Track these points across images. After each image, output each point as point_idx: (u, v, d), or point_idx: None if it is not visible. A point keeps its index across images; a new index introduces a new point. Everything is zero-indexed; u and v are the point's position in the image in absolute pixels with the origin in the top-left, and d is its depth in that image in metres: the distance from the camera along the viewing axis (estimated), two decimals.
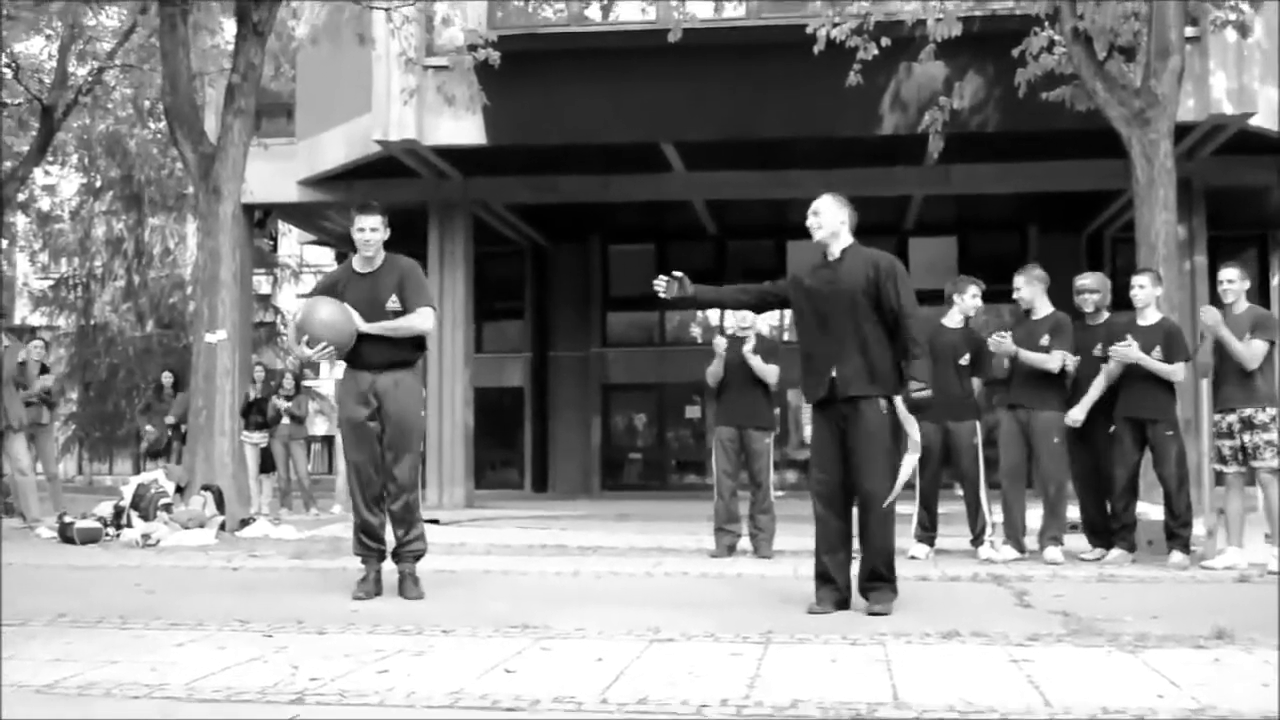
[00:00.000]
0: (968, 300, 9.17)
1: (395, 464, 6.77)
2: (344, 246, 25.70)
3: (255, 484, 15.11)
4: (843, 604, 6.02)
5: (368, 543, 6.83)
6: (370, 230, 6.82)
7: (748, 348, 9.07)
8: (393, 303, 6.72)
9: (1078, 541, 9.07)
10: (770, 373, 9.13)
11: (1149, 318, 8.70)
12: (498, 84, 14.56)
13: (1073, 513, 9.39)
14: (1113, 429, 8.74)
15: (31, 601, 6.17)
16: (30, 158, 19.27)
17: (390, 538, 6.90)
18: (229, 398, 12.42)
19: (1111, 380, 8.76)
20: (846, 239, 6.35)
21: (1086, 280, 9.10)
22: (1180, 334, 8.80)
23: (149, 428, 15.79)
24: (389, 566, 6.88)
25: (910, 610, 5.88)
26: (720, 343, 9.17)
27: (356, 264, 6.91)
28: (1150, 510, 8.93)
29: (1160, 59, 11.45)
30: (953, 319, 9.20)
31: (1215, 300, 8.61)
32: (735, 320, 9.37)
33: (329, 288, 6.86)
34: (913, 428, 6.10)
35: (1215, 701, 3.80)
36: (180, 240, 28.49)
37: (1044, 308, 8.96)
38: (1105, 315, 8.97)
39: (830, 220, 6.35)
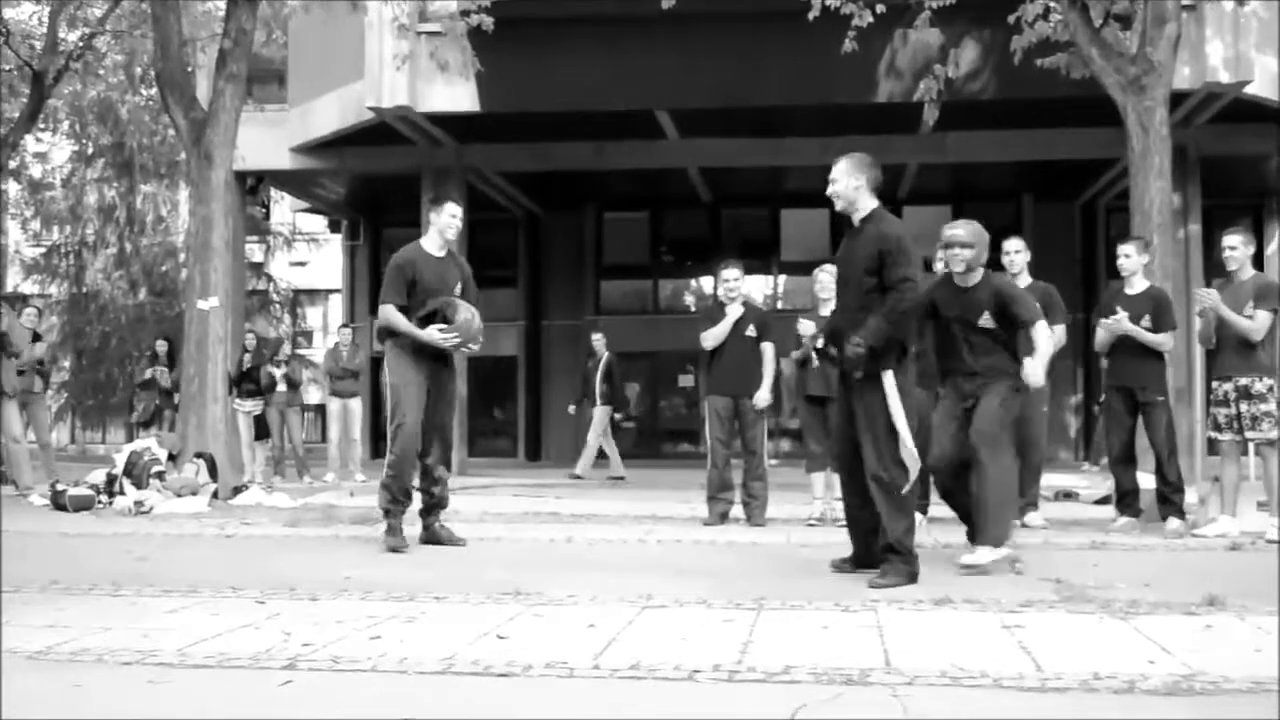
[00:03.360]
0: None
1: (444, 427, 7.65)
2: (337, 213, 25.64)
3: (249, 452, 15.10)
4: (860, 565, 6.23)
5: (402, 499, 7.42)
6: (460, 218, 7.70)
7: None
8: (457, 289, 7.55)
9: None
10: (769, 352, 9.16)
11: (1136, 286, 8.69)
12: (491, 50, 14.48)
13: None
14: (1103, 397, 8.77)
15: (24, 568, 6.18)
16: (21, 124, 19.12)
17: (458, 497, 7.92)
18: (221, 365, 12.40)
19: (1102, 349, 8.79)
20: (867, 205, 6.24)
21: (958, 232, 6.87)
22: (1168, 302, 8.79)
23: (146, 378, 15.78)
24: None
25: None
26: (735, 310, 9.11)
27: (430, 247, 7.63)
28: (1141, 479, 8.94)
29: (1156, 26, 11.40)
30: None
31: (1213, 267, 8.59)
32: (725, 290, 9.34)
33: (418, 267, 7.49)
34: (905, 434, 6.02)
35: (1206, 667, 3.82)
36: (172, 207, 28.36)
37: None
38: (979, 274, 8.77)
39: (844, 187, 6.23)
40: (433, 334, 7.38)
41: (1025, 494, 8.92)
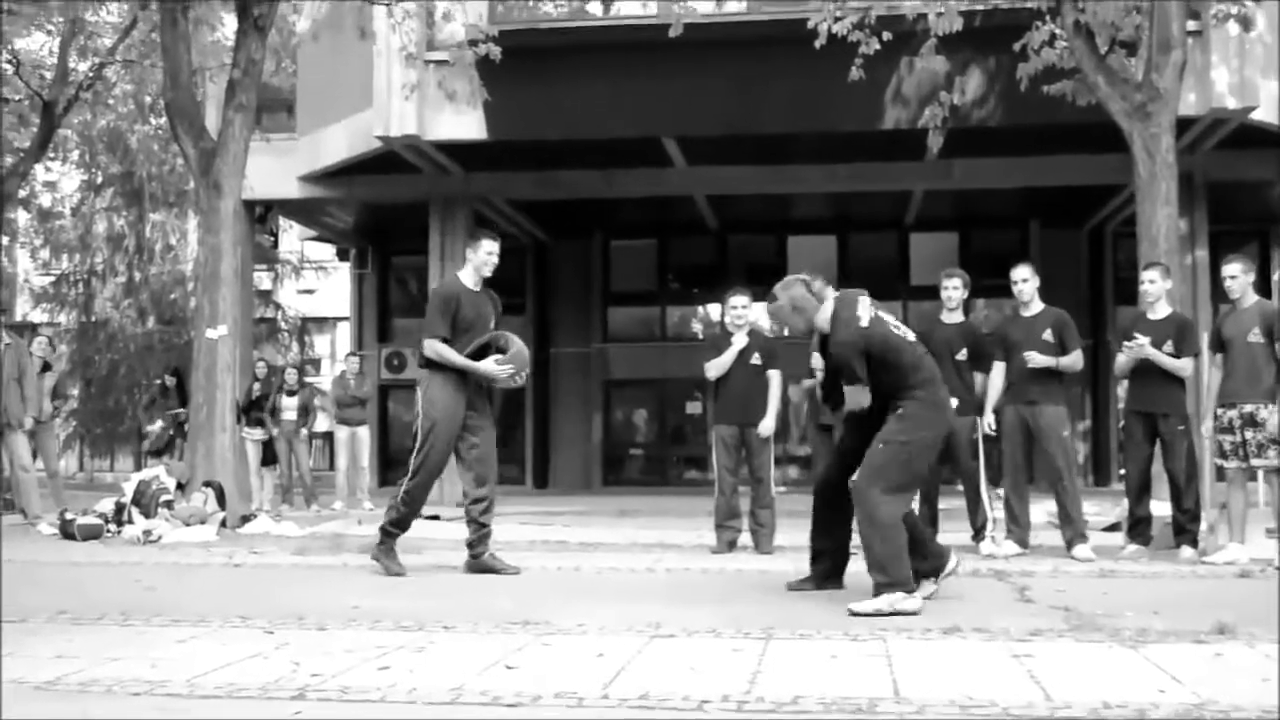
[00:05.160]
0: (944, 293, 9.21)
1: (492, 456, 7.75)
2: (345, 242, 25.72)
3: (257, 479, 15.13)
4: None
5: (405, 527, 7.65)
6: (497, 254, 7.79)
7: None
8: (492, 324, 7.74)
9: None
10: (775, 380, 9.16)
11: (1159, 311, 8.70)
12: (499, 79, 14.54)
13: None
14: (1122, 424, 8.78)
15: (32, 598, 6.18)
16: (31, 154, 19.27)
17: (462, 527, 7.87)
18: (229, 394, 12.42)
19: (1122, 374, 8.79)
20: (826, 312, 6.36)
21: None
22: (1192, 327, 8.81)
23: (149, 427, 15.83)
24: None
25: None
26: (740, 340, 9.13)
27: (469, 281, 7.73)
28: (1152, 506, 8.92)
29: (1162, 53, 11.42)
30: (948, 314, 9.21)
31: (1220, 292, 8.61)
32: (733, 317, 9.35)
33: (460, 302, 7.61)
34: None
35: (1216, 696, 3.80)
36: (181, 236, 28.49)
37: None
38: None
39: (799, 323, 6.44)
40: (491, 367, 7.48)
41: (1066, 526, 8.82)
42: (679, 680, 4.08)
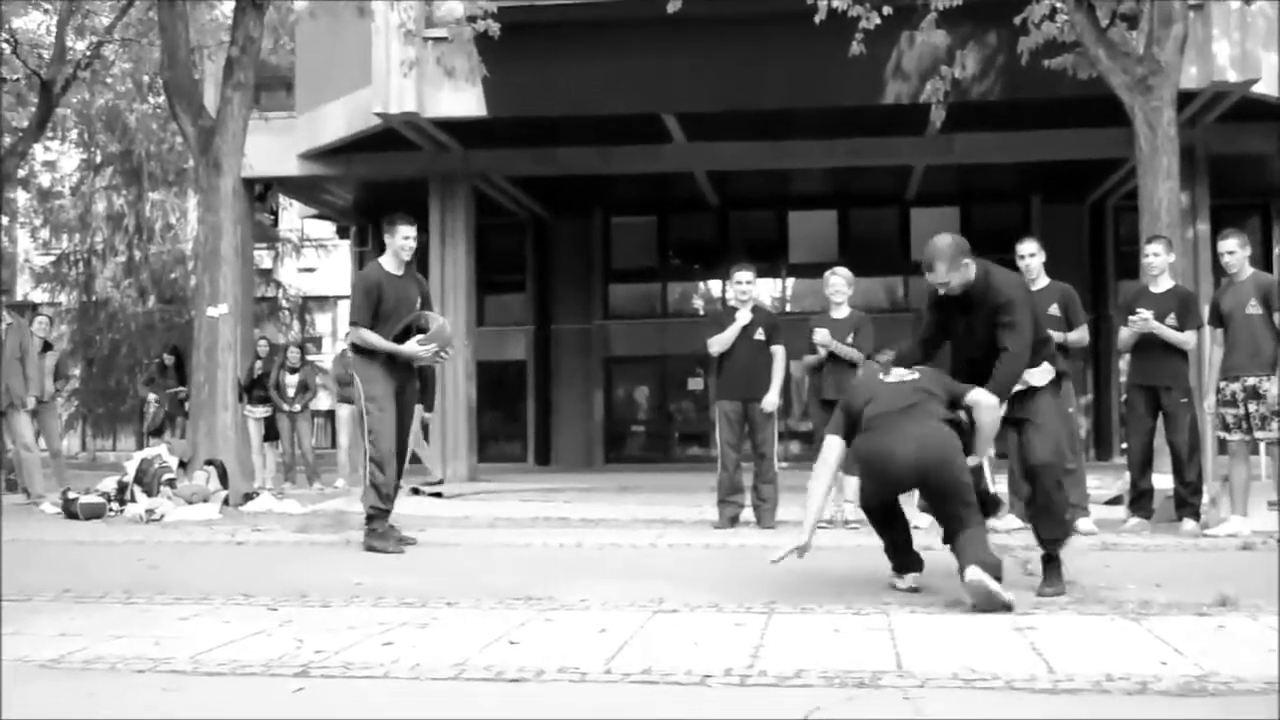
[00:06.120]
0: None
1: (405, 431, 7.94)
2: (345, 220, 25.69)
3: (259, 457, 15.12)
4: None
5: (389, 505, 7.78)
6: (414, 239, 7.92)
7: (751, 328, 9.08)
8: (417, 305, 7.86)
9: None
10: (779, 356, 9.15)
11: (1162, 285, 8.69)
12: (497, 55, 14.48)
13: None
14: (1124, 398, 8.77)
15: (36, 577, 6.19)
16: (30, 133, 19.19)
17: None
18: (231, 372, 12.43)
19: (1124, 348, 8.79)
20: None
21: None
22: (1194, 300, 8.80)
23: (152, 396, 15.83)
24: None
25: None
26: (744, 316, 9.11)
27: (390, 266, 7.86)
28: (1155, 479, 8.92)
29: (1163, 26, 11.38)
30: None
31: (1221, 266, 8.59)
32: (737, 293, 9.33)
33: (383, 288, 7.74)
34: None
35: (1219, 668, 3.81)
36: (181, 215, 28.46)
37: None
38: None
39: (958, 281, 6.00)
40: (414, 348, 7.72)
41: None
42: (682, 655, 4.09)
